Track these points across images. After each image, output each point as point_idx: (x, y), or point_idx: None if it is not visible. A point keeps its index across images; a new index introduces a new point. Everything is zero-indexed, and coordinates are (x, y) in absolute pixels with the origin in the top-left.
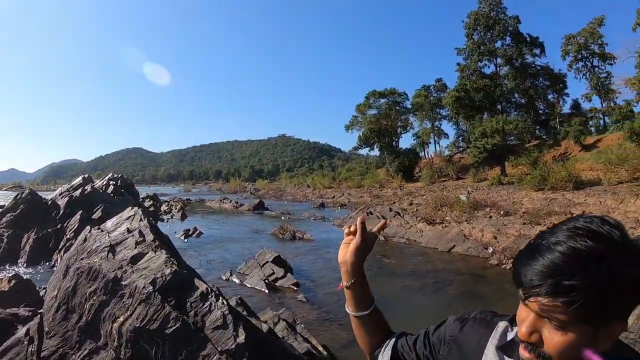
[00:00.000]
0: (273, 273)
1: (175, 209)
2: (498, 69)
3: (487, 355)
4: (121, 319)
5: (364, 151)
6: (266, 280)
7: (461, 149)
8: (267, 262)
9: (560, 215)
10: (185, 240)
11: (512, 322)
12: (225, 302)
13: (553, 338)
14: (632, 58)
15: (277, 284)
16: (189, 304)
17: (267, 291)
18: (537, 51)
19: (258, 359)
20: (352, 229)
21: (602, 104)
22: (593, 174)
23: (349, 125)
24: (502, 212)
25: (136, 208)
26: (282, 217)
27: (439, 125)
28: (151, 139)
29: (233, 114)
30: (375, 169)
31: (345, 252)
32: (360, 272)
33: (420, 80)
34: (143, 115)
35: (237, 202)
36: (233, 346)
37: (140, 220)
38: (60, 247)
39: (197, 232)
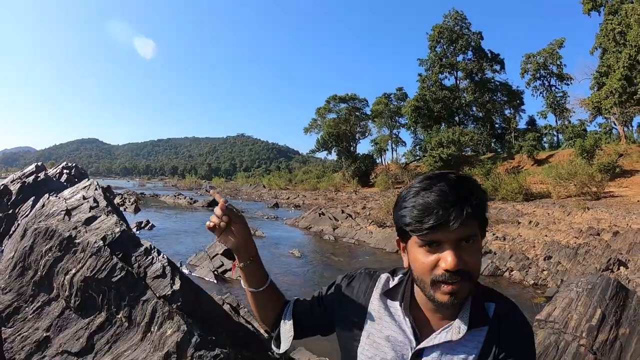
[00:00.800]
0: (222, 265)
1: (129, 202)
2: (458, 81)
3: (373, 302)
4: (73, 271)
5: (321, 154)
6: (215, 272)
7: (418, 157)
8: (217, 254)
9: (507, 224)
10: (137, 232)
11: (393, 273)
12: (165, 257)
13: (471, 255)
14: (588, 80)
15: (225, 275)
16: (134, 257)
17: (215, 282)
18: (497, 67)
19: (191, 305)
20: (218, 221)
21: (556, 121)
22: (543, 187)
23: (308, 128)
24: None
25: (92, 180)
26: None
27: (397, 132)
28: (108, 131)
29: (192, 111)
30: (332, 173)
31: (227, 238)
32: (254, 251)
33: (382, 88)
34: (101, 106)
35: (191, 199)
36: (169, 292)
37: (96, 189)
38: (11, 232)
39: (150, 225)
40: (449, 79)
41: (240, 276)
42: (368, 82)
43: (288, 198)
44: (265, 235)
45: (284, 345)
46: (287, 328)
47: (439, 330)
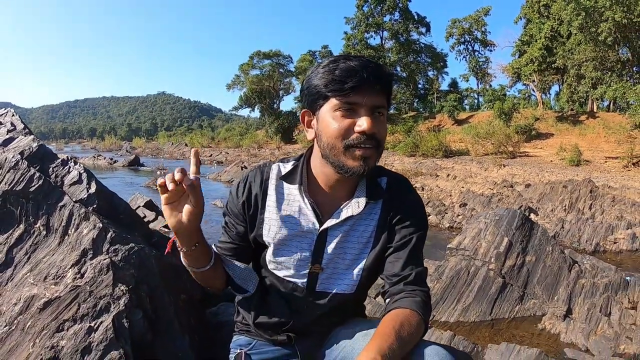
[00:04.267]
0: (145, 217)
1: None
2: (383, 41)
3: (269, 193)
4: None
5: (244, 112)
6: None
7: None
8: (139, 206)
9: (427, 176)
10: None
11: (282, 161)
12: (82, 165)
13: (382, 127)
14: (510, 47)
15: (149, 227)
16: (51, 169)
17: None
18: (423, 30)
19: (106, 208)
20: (177, 177)
21: (478, 85)
22: (462, 145)
23: (230, 85)
24: None
25: (9, 108)
26: (158, 172)
27: None
28: (21, 94)
29: (109, 68)
30: (255, 130)
31: (176, 217)
32: (200, 234)
33: (307, 45)
34: (12, 67)
35: (111, 159)
36: (85, 195)
37: (12, 115)
38: None
39: None
40: (374, 39)
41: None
42: (294, 39)
43: (211, 155)
44: None
45: (252, 286)
46: (247, 274)
47: (339, 208)
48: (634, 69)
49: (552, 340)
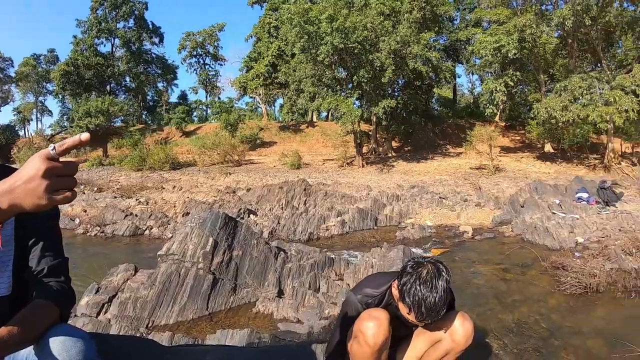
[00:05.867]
0: None
1: None
2: (114, 49)
3: None
4: None
5: None
6: None
7: (65, 128)
8: None
9: (152, 190)
10: None
11: None
12: None
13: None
14: (239, 63)
15: None
16: None
17: None
18: (157, 40)
19: None
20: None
21: (207, 97)
22: (190, 156)
23: None
24: (95, 188)
25: None
26: None
27: (43, 100)
28: None
29: None
30: None
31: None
32: None
33: (31, 47)
34: None
35: None
36: None
37: None
38: None
39: None
40: (105, 45)
41: None
42: (15, 39)
43: None
44: None
45: None
46: None
47: None
48: (348, 85)
49: (267, 319)
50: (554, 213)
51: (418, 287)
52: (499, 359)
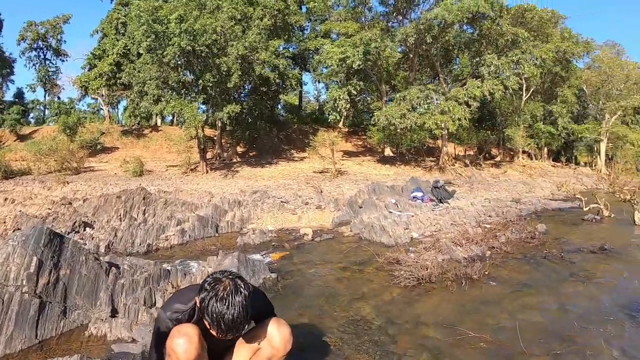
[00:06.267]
0: None
1: None
2: None
3: None
4: None
5: None
6: None
7: None
8: None
9: None
10: None
11: None
12: None
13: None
14: (82, 60)
15: None
16: None
17: None
18: None
19: None
20: None
21: (45, 96)
22: (25, 164)
23: None
24: None
25: None
26: None
27: None
28: None
29: None
30: None
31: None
32: None
33: None
34: None
35: None
36: None
37: None
38: None
39: None
40: None
41: None
42: None
43: None
44: None
45: None
46: None
47: None
48: (194, 89)
49: (100, 342)
50: (391, 212)
51: (215, 304)
52: (338, 355)
